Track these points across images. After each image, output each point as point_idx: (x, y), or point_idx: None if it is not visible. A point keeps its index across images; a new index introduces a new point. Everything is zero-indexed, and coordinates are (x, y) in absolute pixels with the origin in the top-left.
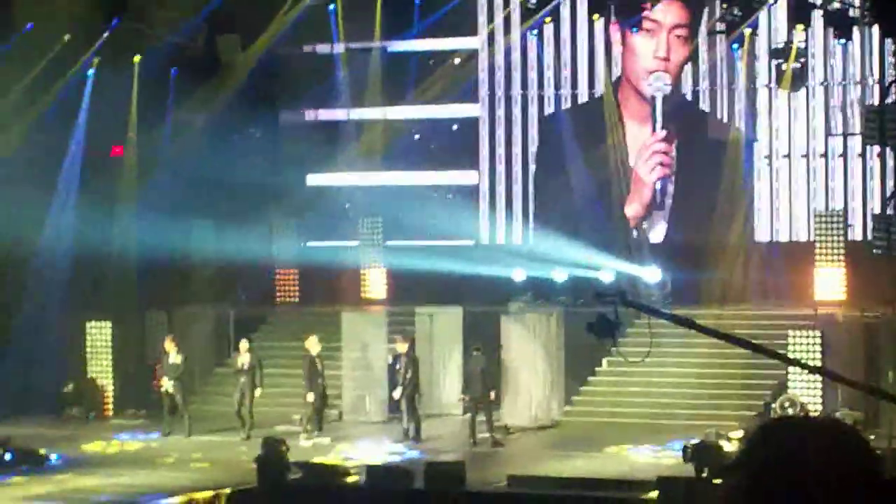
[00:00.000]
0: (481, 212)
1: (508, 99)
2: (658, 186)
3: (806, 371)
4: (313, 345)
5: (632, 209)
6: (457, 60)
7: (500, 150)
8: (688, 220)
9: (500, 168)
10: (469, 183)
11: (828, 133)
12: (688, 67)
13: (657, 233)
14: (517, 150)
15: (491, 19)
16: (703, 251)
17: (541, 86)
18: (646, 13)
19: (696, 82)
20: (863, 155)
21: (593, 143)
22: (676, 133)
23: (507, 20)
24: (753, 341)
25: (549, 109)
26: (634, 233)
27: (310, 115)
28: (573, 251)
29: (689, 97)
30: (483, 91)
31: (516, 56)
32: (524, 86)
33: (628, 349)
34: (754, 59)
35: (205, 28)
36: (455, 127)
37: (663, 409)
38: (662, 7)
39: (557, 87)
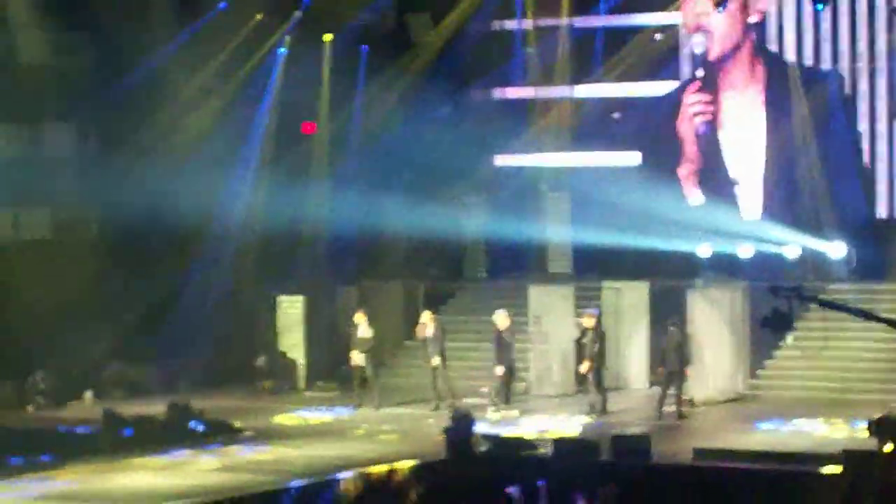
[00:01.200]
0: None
1: None
2: (701, 132)
3: None
4: (501, 319)
5: (683, 169)
6: (658, 36)
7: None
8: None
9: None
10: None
11: None
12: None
13: (745, 194)
14: None
15: None
16: (887, 225)
17: None
18: None
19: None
20: None
21: None
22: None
23: None
24: None
25: None
26: (694, 193)
27: (498, 93)
28: (760, 227)
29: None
30: (685, 68)
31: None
32: None
33: (810, 331)
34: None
35: (395, 6)
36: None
37: (848, 384)
38: None
39: None
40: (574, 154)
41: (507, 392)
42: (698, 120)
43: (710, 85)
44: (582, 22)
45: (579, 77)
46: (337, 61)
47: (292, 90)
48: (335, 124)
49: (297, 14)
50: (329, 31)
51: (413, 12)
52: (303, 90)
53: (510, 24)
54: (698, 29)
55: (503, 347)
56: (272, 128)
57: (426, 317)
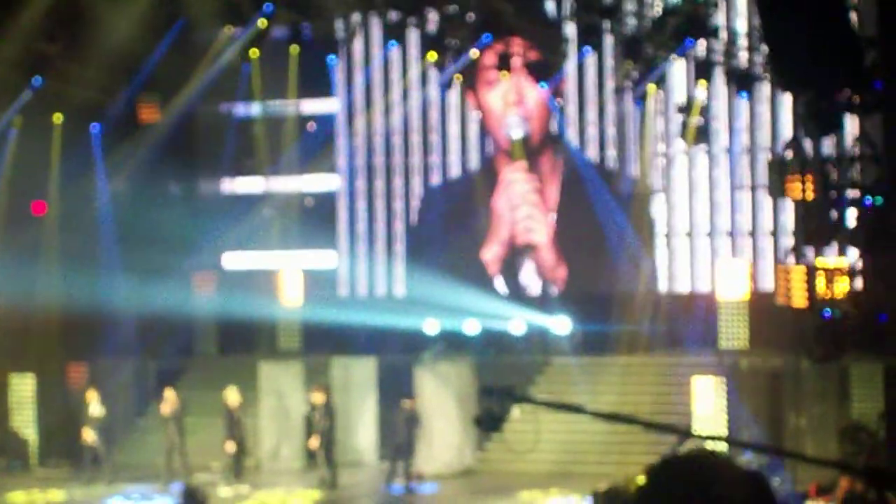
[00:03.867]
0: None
1: (370, 168)
2: (520, 214)
3: (704, 438)
4: (232, 395)
5: (490, 251)
6: (311, 125)
7: (361, 226)
8: (596, 270)
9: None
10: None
11: (733, 186)
12: (594, 122)
13: (526, 276)
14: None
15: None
16: (611, 301)
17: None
18: (485, 60)
19: (602, 138)
20: (775, 207)
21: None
22: (571, 183)
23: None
24: (660, 388)
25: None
26: (497, 280)
27: (227, 182)
28: (485, 303)
29: (594, 152)
30: (339, 159)
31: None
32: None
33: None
34: (658, 114)
35: (125, 86)
36: (310, 200)
37: (575, 456)
38: (502, 49)
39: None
40: (300, 252)
41: (238, 468)
42: (521, 205)
43: (537, 169)
44: (309, 107)
45: (307, 164)
46: (68, 141)
47: (24, 170)
48: (66, 204)
49: (28, 94)
50: (59, 111)
51: (143, 92)
52: (34, 170)
53: (239, 109)
54: (515, 106)
55: (234, 423)
56: (2, 208)
57: (169, 394)
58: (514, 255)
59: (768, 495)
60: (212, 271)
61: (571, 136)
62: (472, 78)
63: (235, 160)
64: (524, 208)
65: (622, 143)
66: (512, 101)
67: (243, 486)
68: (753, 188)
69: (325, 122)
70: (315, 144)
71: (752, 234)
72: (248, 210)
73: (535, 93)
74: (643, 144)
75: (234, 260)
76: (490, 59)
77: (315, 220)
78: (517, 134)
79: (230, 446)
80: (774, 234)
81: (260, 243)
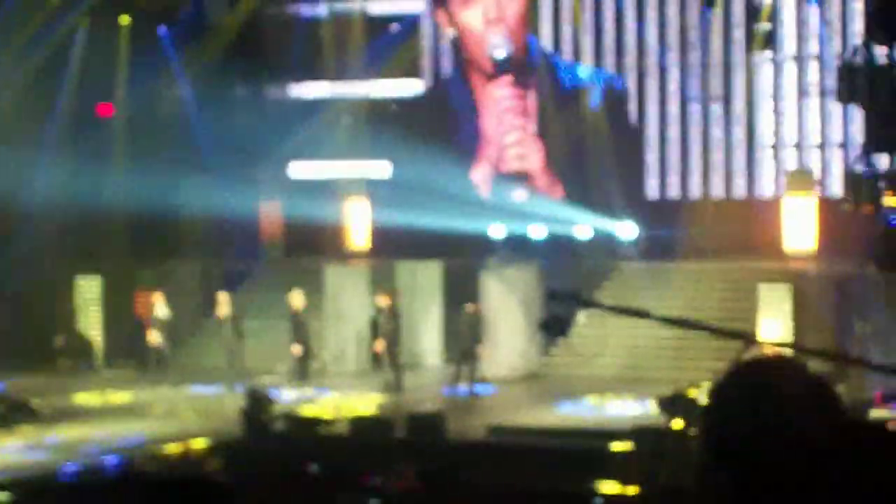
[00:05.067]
0: None
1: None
2: (509, 140)
3: (770, 344)
4: (297, 299)
5: (479, 172)
6: (394, 26)
7: None
8: (662, 177)
9: None
10: None
11: (801, 91)
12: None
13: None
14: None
15: None
16: (677, 207)
17: None
18: None
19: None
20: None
21: None
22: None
23: None
24: (726, 294)
25: None
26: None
27: (294, 88)
28: (552, 208)
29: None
30: (426, 63)
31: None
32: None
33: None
34: (728, 19)
35: None
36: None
37: (640, 361)
38: None
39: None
40: (369, 162)
41: (303, 371)
42: (510, 123)
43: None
44: (378, 8)
45: (374, 70)
46: (135, 42)
47: (91, 72)
48: (133, 106)
49: None
50: (127, 12)
51: None
52: (102, 71)
53: (306, 10)
54: (496, 24)
55: (299, 326)
56: (70, 110)
57: (222, 298)
58: (507, 179)
59: (834, 401)
60: (279, 175)
61: (630, 41)
62: None
63: (303, 63)
64: (514, 134)
65: (687, 49)
66: (492, 18)
67: (308, 388)
68: (822, 95)
69: (403, 22)
70: (387, 48)
71: (821, 140)
72: (315, 115)
73: (516, 6)
74: (709, 50)
75: (301, 168)
76: None
77: (399, 126)
78: (501, 54)
79: (296, 349)
80: (843, 141)
81: (328, 151)
